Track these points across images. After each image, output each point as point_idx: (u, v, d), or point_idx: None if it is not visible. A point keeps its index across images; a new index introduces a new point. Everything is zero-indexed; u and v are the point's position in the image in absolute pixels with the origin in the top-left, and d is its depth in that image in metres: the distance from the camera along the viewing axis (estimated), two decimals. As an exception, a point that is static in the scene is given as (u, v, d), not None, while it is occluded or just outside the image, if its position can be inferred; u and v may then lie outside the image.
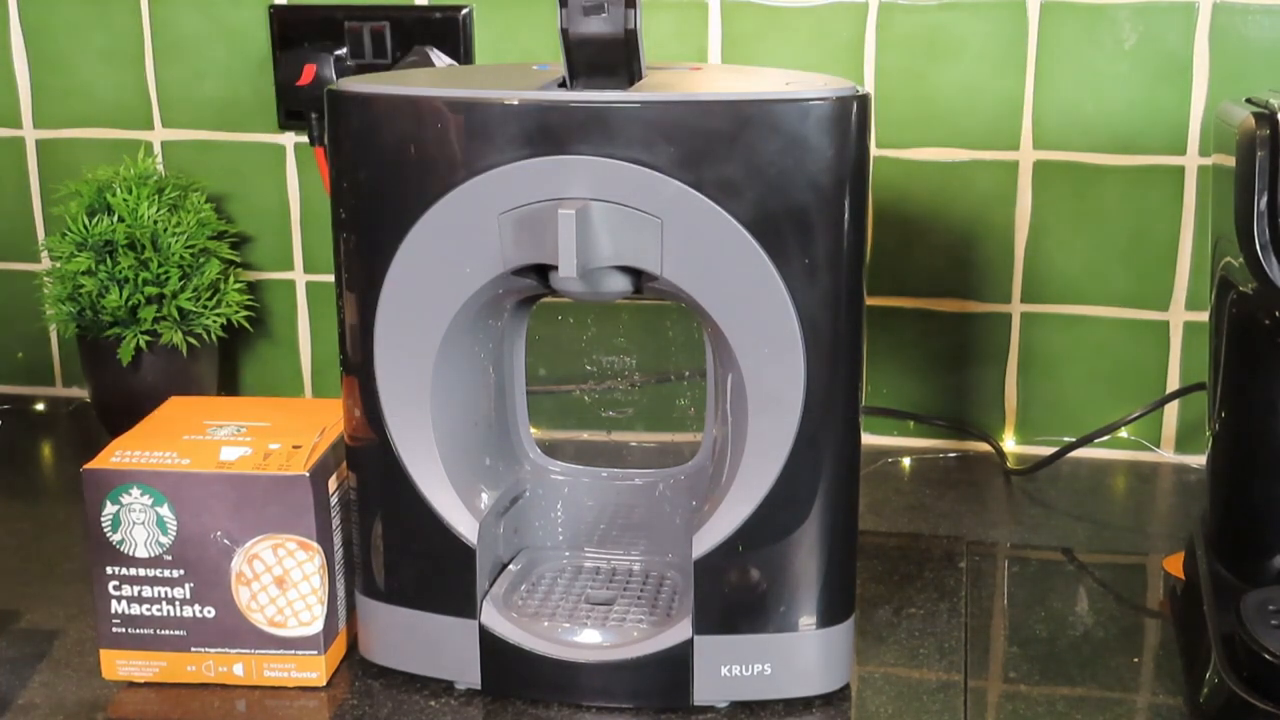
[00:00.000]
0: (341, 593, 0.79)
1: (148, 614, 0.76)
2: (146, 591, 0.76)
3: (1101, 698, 0.76)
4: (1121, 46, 1.05)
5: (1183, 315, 1.09)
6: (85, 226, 1.08)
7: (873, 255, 1.10)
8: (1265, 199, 0.73)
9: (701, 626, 0.74)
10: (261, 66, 1.16)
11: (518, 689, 0.76)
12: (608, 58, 0.70)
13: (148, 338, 1.08)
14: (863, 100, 0.69)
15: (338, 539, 0.78)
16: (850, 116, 0.68)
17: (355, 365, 0.75)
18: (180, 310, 1.09)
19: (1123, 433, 1.10)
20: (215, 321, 1.11)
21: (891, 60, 1.08)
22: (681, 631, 0.74)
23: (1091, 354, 1.11)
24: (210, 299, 1.11)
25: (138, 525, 0.75)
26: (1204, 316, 0.88)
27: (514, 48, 1.12)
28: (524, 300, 0.79)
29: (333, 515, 0.77)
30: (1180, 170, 1.06)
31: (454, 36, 1.12)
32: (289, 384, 1.24)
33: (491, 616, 0.76)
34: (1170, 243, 1.07)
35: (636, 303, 1.03)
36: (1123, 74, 1.05)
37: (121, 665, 0.77)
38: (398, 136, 0.70)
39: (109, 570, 0.76)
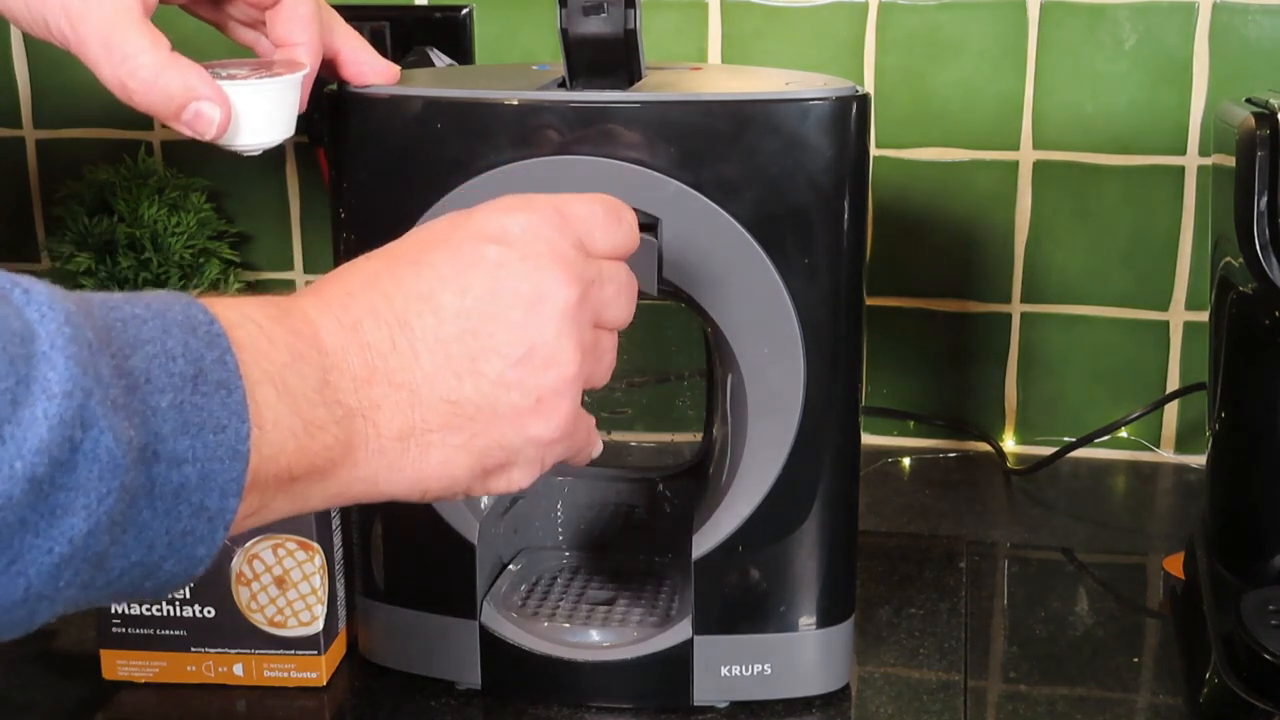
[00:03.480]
0: (341, 593, 0.79)
1: (147, 614, 0.76)
2: (146, 591, 0.76)
3: (1101, 698, 0.76)
4: (1121, 46, 1.05)
5: (1183, 315, 1.09)
6: (85, 226, 1.08)
7: (873, 255, 1.10)
8: (1265, 199, 0.73)
9: (701, 626, 0.74)
10: (261, 66, 1.16)
11: (518, 689, 0.76)
12: (608, 58, 0.70)
13: (148, 338, 1.08)
14: (863, 100, 0.69)
15: (338, 539, 0.78)
16: (850, 116, 0.68)
17: (355, 365, 0.75)
18: (180, 310, 1.09)
19: (1123, 433, 1.10)
20: (215, 321, 1.11)
21: (891, 60, 1.08)
22: (681, 631, 0.74)
23: (1091, 354, 1.11)
24: (210, 299, 1.11)
25: (138, 525, 0.75)
26: (1204, 316, 0.88)
27: (514, 48, 1.12)
28: (524, 300, 0.79)
29: (333, 515, 0.77)
30: (1180, 170, 1.06)
31: (454, 36, 1.12)
32: (289, 384, 1.23)
33: (491, 616, 0.76)
34: (1170, 243, 1.07)
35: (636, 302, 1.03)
36: (1123, 74, 1.05)
37: (121, 665, 0.77)
38: (398, 136, 0.70)
39: (109, 570, 0.76)
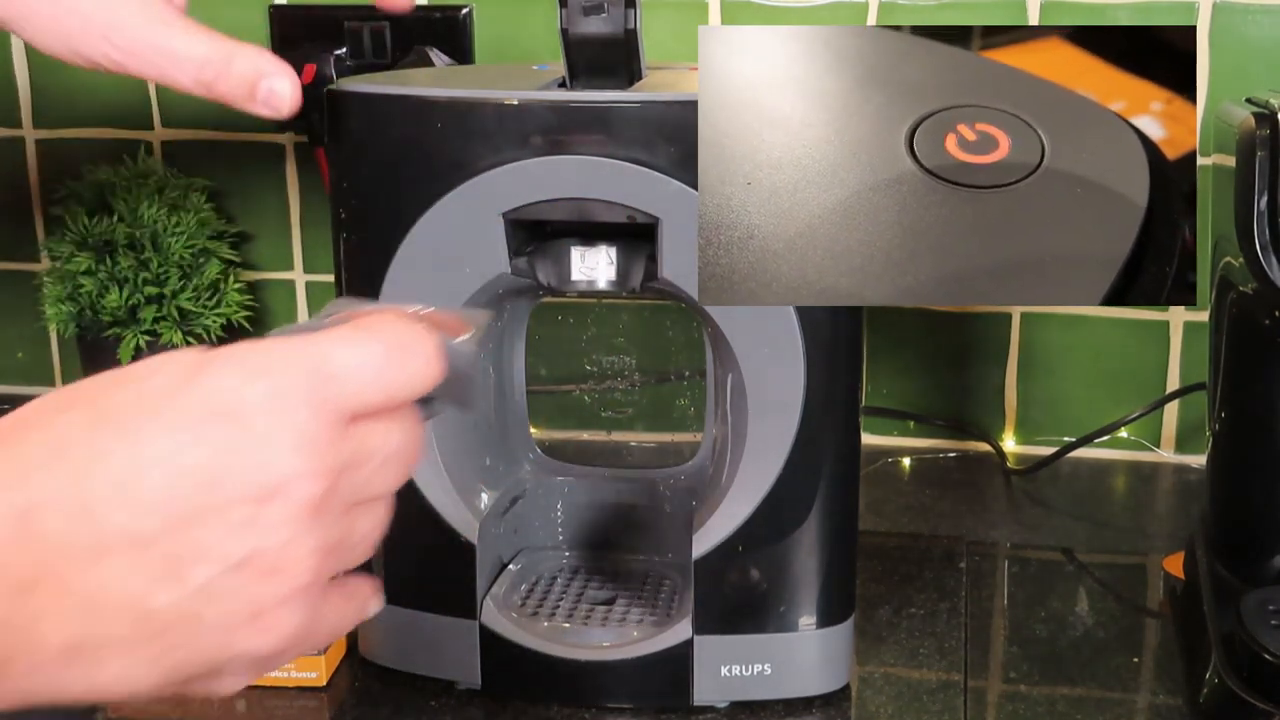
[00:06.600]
0: (341, 593, 0.79)
1: (148, 614, 0.76)
2: (146, 591, 0.76)
3: (1101, 698, 0.76)
4: (1121, 46, 1.04)
5: (1183, 315, 1.09)
6: (85, 226, 1.08)
7: (873, 255, 1.09)
8: (1265, 199, 0.73)
9: (701, 626, 0.74)
10: (261, 66, 1.16)
11: (518, 689, 0.76)
12: (608, 58, 0.70)
13: (148, 338, 1.08)
14: (863, 100, 0.69)
15: (338, 539, 0.78)
16: (850, 116, 0.68)
17: (355, 365, 0.75)
18: (180, 310, 1.09)
19: (1123, 433, 1.10)
20: (215, 321, 1.11)
21: (891, 60, 1.08)
22: (681, 631, 0.74)
23: (1091, 354, 1.11)
24: (210, 299, 1.11)
25: (138, 525, 0.75)
26: (1204, 316, 0.88)
27: (514, 48, 1.12)
28: (524, 300, 0.79)
29: (333, 515, 0.77)
30: (1180, 170, 1.06)
31: (454, 36, 1.12)
32: (289, 384, 1.23)
33: (491, 616, 0.76)
34: (1170, 243, 1.07)
35: (637, 303, 1.03)
36: (1123, 74, 1.05)
37: (121, 665, 0.77)
38: (398, 136, 0.70)
39: (109, 570, 0.76)
